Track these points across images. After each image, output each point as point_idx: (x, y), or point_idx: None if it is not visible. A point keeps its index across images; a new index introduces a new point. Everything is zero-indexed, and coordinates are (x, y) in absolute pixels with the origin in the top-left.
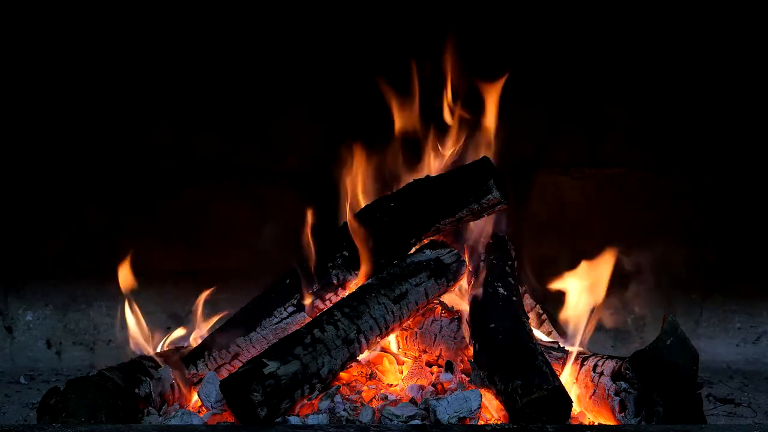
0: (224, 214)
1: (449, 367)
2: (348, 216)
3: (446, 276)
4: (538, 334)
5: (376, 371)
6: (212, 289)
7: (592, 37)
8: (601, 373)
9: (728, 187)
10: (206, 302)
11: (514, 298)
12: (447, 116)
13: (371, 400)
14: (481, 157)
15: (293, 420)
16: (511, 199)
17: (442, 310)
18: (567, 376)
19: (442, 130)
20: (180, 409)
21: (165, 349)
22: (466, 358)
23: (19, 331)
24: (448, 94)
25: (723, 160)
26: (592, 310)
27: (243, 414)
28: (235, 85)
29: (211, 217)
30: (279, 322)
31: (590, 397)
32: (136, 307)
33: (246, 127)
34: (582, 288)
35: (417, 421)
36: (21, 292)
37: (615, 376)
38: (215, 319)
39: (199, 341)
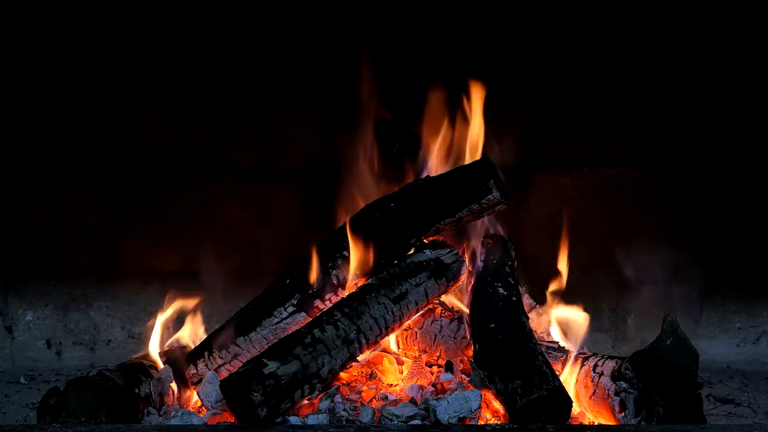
0: (224, 214)
1: (449, 367)
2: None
3: (446, 276)
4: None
5: (376, 371)
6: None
7: (592, 37)
8: (601, 373)
9: (728, 187)
10: (206, 303)
11: (514, 298)
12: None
13: (371, 400)
14: (480, 157)
15: (293, 420)
16: (511, 200)
17: (442, 310)
18: (567, 376)
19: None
20: (180, 409)
21: (165, 349)
22: (466, 358)
23: (19, 331)
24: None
25: (723, 160)
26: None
27: (243, 414)
28: (235, 85)
29: (211, 217)
30: (279, 322)
31: (590, 397)
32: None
33: (246, 127)
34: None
35: (417, 421)
36: (21, 292)
37: (615, 376)
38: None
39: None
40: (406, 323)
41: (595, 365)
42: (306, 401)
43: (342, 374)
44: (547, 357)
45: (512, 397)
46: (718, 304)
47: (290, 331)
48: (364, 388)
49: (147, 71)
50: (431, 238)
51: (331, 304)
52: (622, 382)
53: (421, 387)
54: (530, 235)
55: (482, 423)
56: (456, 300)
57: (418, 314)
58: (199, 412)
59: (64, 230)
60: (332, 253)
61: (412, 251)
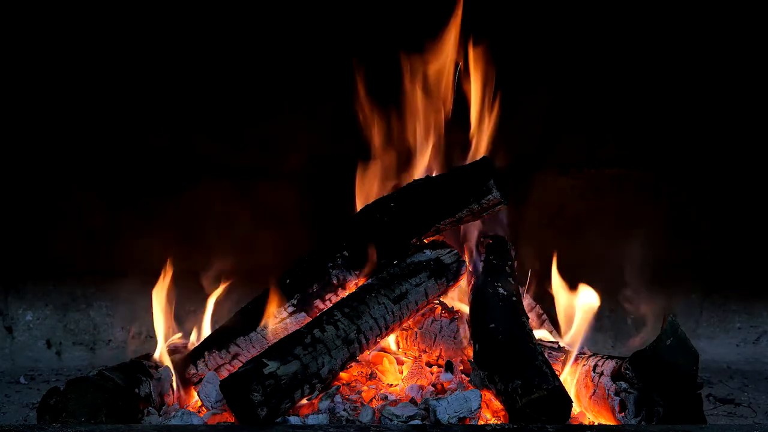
0: (224, 214)
1: (449, 367)
2: None
3: (446, 276)
4: (538, 334)
5: (376, 371)
6: (222, 289)
7: (593, 37)
8: (601, 373)
9: (728, 186)
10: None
11: (514, 298)
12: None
13: (371, 400)
14: (480, 157)
15: (293, 420)
16: (511, 200)
17: (442, 310)
18: (567, 376)
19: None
20: (180, 409)
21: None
22: (466, 358)
23: (19, 331)
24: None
25: (723, 160)
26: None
27: (243, 414)
28: (236, 86)
29: (211, 217)
30: (279, 322)
31: (590, 397)
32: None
33: (246, 127)
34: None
35: (417, 421)
36: (21, 292)
37: (615, 376)
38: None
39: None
40: (406, 323)
41: (595, 365)
42: (306, 401)
43: (342, 374)
44: (547, 357)
45: (512, 397)
46: (718, 304)
47: (290, 331)
48: (364, 388)
49: (149, 72)
50: (431, 238)
51: (331, 304)
52: (622, 382)
53: (421, 387)
54: (530, 235)
55: (482, 423)
56: (456, 300)
57: (418, 314)
58: (199, 412)
59: (64, 230)
60: (332, 253)
61: (412, 251)
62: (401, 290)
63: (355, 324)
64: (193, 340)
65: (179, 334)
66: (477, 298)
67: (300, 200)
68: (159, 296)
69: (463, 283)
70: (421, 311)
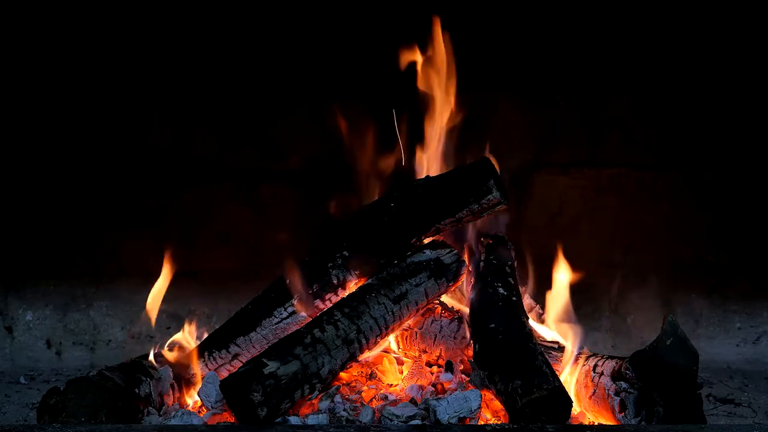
0: (224, 214)
1: (449, 367)
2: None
3: (446, 276)
4: (539, 334)
5: (376, 371)
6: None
7: (594, 37)
8: (601, 373)
9: (728, 187)
10: (206, 303)
11: (514, 298)
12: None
13: (371, 400)
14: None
15: (293, 420)
16: (511, 199)
17: (442, 310)
18: (567, 376)
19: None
20: (180, 409)
21: (165, 349)
22: (466, 358)
23: (19, 331)
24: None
25: (723, 159)
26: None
27: (243, 414)
28: (236, 86)
29: (210, 217)
30: (279, 322)
31: (590, 397)
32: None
33: (246, 127)
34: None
35: (417, 421)
36: (21, 292)
37: (615, 376)
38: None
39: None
40: (406, 323)
41: (595, 365)
42: (306, 401)
43: (342, 374)
44: (547, 357)
45: (512, 397)
46: (718, 304)
47: (290, 331)
48: (364, 388)
49: (149, 72)
50: (431, 238)
51: (331, 304)
52: (622, 382)
53: (421, 387)
54: (530, 235)
55: (482, 423)
56: (456, 300)
57: (418, 314)
58: (199, 412)
59: (64, 230)
60: (332, 253)
61: (412, 251)
62: (401, 290)
63: (355, 324)
64: (193, 340)
65: (179, 334)
66: (477, 298)
67: (300, 200)
68: (156, 297)
69: (463, 283)
70: (421, 311)
